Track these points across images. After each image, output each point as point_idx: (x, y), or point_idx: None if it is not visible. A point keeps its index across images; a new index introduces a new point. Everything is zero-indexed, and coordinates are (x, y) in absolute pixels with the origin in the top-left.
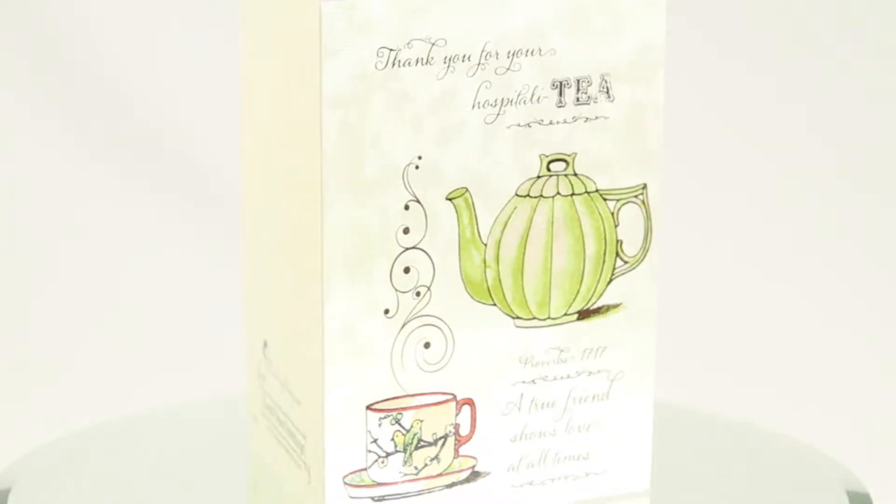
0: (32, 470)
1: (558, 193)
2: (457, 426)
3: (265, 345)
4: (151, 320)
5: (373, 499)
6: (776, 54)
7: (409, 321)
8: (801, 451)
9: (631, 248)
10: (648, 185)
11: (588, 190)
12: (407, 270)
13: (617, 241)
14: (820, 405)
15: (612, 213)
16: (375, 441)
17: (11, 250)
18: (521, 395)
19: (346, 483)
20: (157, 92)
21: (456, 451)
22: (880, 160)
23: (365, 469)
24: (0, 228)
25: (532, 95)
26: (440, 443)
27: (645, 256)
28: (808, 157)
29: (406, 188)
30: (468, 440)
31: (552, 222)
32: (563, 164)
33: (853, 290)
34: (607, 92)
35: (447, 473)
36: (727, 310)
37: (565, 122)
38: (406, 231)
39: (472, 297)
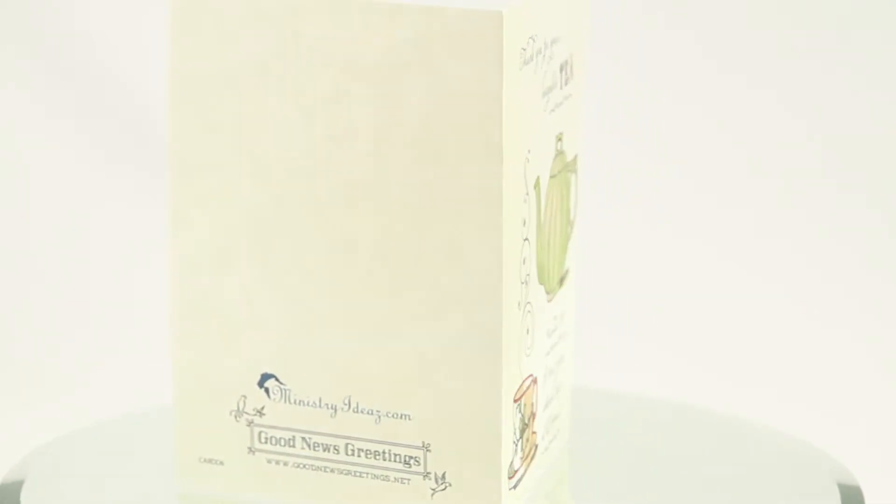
0: (33, 469)
1: (558, 171)
2: (533, 404)
3: (265, 377)
4: (153, 320)
5: (512, 488)
6: (771, 54)
7: (524, 309)
8: (792, 444)
9: (572, 215)
10: (578, 155)
11: (566, 164)
12: (524, 261)
13: (569, 209)
14: (810, 399)
15: (570, 184)
16: (515, 431)
17: (14, 250)
18: (546, 366)
19: (508, 477)
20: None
21: (532, 429)
22: (874, 156)
23: (511, 460)
24: (7, 228)
25: (554, 80)
26: (530, 423)
27: (575, 221)
28: (801, 156)
29: (524, 182)
30: (537, 417)
31: (555, 198)
32: (560, 143)
33: (843, 286)
34: (572, 71)
35: (531, 451)
36: (720, 307)
37: (561, 103)
38: (524, 223)
39: (538, 278)
